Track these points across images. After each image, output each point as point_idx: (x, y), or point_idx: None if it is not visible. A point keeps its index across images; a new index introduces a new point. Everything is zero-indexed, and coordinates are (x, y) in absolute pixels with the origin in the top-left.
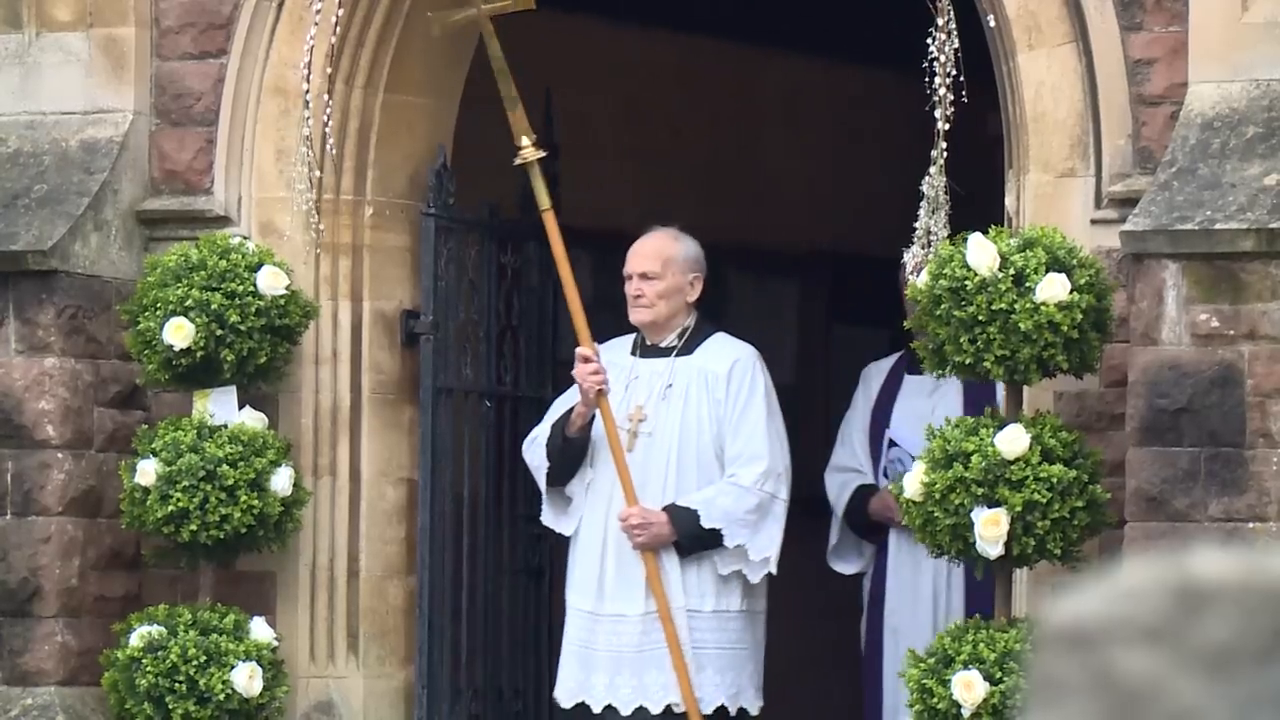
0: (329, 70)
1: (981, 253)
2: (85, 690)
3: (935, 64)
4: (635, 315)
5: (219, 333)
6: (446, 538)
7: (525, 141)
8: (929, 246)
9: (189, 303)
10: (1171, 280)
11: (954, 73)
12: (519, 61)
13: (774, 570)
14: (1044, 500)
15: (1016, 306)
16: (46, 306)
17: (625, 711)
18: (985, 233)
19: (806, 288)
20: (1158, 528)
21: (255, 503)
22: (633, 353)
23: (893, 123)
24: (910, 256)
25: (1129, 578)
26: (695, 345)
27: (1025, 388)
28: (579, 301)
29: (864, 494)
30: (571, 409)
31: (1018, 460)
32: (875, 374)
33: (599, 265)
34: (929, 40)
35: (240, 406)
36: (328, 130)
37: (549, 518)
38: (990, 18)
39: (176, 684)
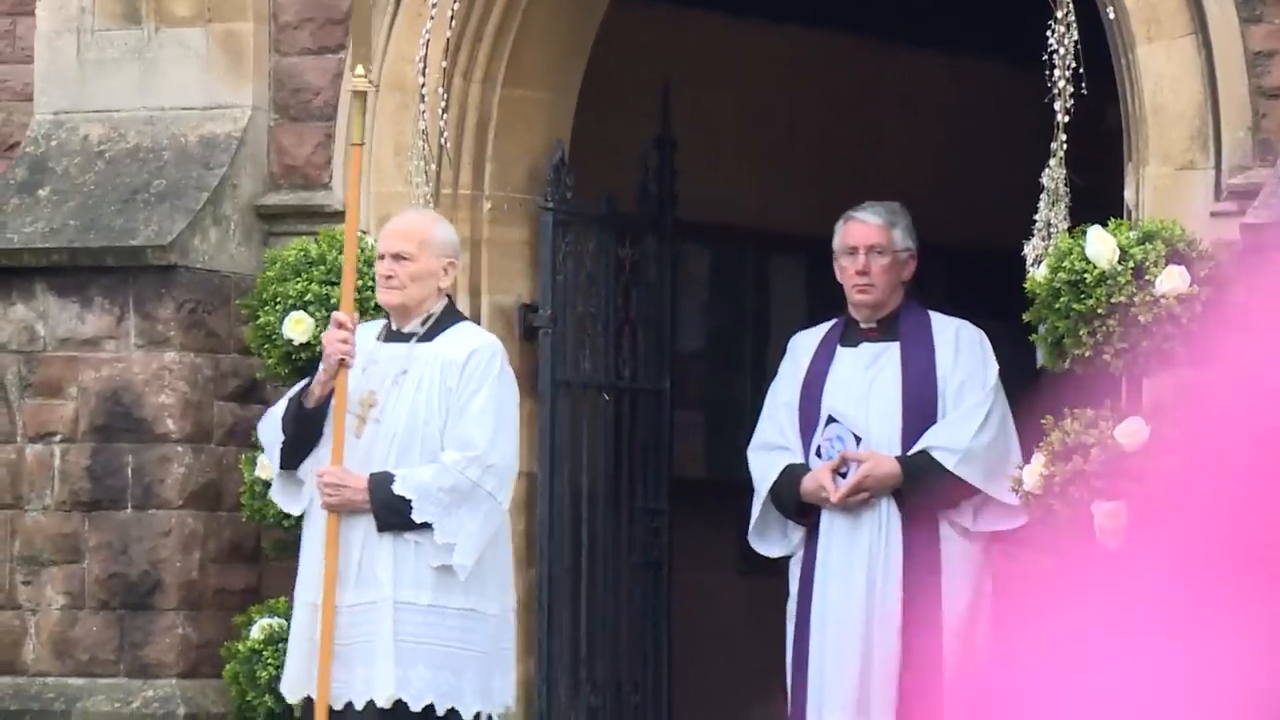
0: (446, 65)
1: (1101, 245)
2: (205, 682)
3: (1055, 56)
4: (384, 296)
5: None
6: (565, 530)
7: (360, 70)
8: (1049, 239)
9: (308, 297)
10: None
11: (1073, 65)
12: (638, 56)
13: (467, 564)
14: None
15: (1136, 299)
16: (166, 301)
17: (338, 706)
18: (1105, 225)
19: (922, 280)
20: None
21: None
22: (378, 338)
23: (1012, 115)
24: (1030, 249)
25: None
26: (438, 333)
27: (1145, 380)
28: (353, 264)
29: (792, 473)
30: (306, 383)
31: (1139, 454)
32: (804, 345)
33: (717, 258)
34: (1048, 33)
35: None
36: (444, 125)
37: (278, 496)
38: (1110, 10)
39: None
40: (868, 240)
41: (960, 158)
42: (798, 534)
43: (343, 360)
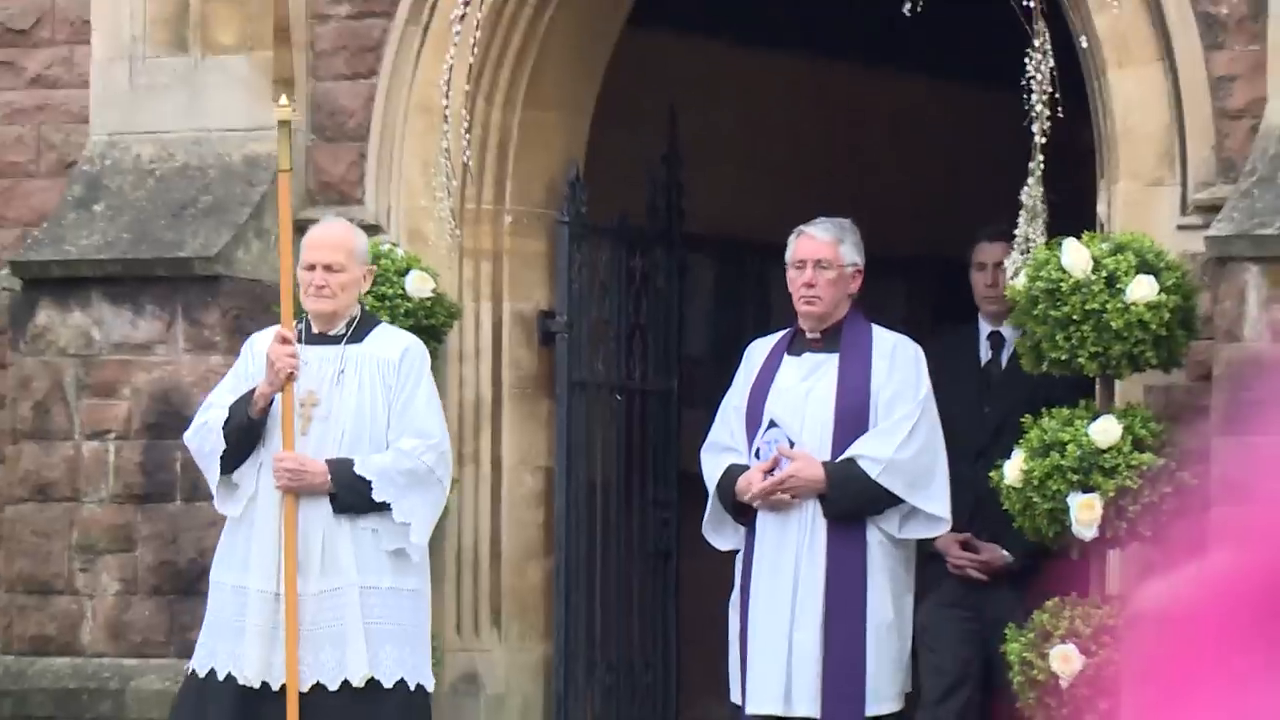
0: (469, 89)
1: (1076, 256)
2: None
3: (1032, 82)
4: (316, 305)
5: None
6: (581, 521)
7: (283, 100)
8: (1027, 252)
9: None
10: (1253, 282)
11: (1050, 90)
12: (646, 79)
13: (422, 544)
14: (1135, 486)
15: (1108, 306)
16: (212, 308)
17: (304, 689)
18: (1079, 237)
19: (913, 289)
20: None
21: None
22: (298, 340)
23: (992, 135)
24: (1010, 262)
25: (1215, 560)
26: (364, 334)
27: (1117, 382)
28: (290, 282)
29: (732, 473)
30: (247, 394)
31: (1111, 449)
32: (758, 351)
33: (722, 269)
34: (1026, 60)
35: None
36: (467, 145)
37: (221, 503)
38: (1082, 38)
39: None
40: (815, 255)
41: (945, 174)
42: (741, 530)
43: (290, 374)
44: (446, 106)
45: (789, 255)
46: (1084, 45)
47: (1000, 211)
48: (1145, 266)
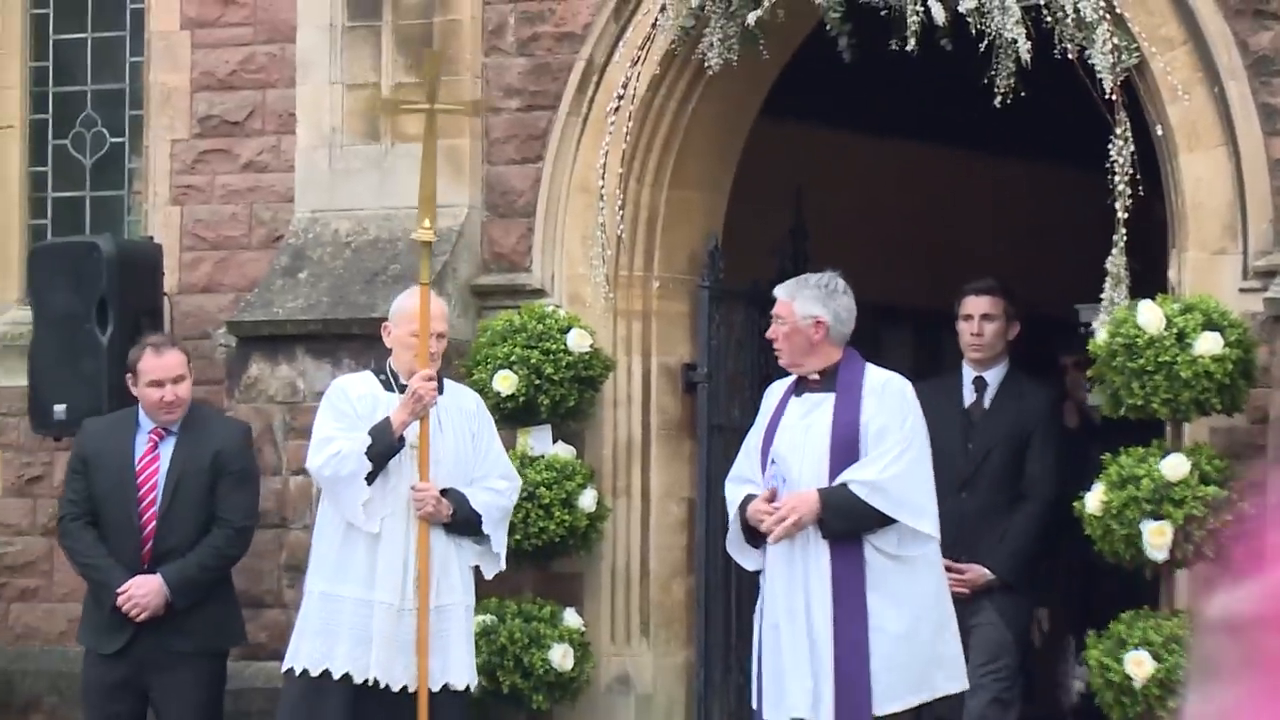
0: (622, 171)
1: (1150, 315)
2: None
3: (1114, 165)
4: (428, 364)
5: (537, 382)
6: (717, 546)
7: (427, 224)
8: (1111, 314)
9: (513, 358)
10: None
11: (1130, 171)
12: (777, 164)
13: (503, 568)
14: (1201, 514)
15: (1179, 359)
16: None
17: (395, 689)
18: (1153, 299)
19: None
20: None
21: (566, 517)
22: (387, 389)
23: (1079, 210)
24: (1097, 324)
25: (1271, 578)
26: (442, 387)
27: (1186, 424)
28: (425, 349)
29: (748, 503)
30: (383, 425)
31: (1180, 482)
32: (775, 393)
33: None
34: (1109, 146)
35: (554, 441)
36: (620, 220)
37: (366, 521)
38: (1158, 127)
39: (506, 661)
40: (775, 311)
41: (1036, 246)
42: (762, 552)
43: (432, 403)
44: (602, 187)
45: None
46: (1159, 133)
47: (1088, 278)
48: (1211, 324)
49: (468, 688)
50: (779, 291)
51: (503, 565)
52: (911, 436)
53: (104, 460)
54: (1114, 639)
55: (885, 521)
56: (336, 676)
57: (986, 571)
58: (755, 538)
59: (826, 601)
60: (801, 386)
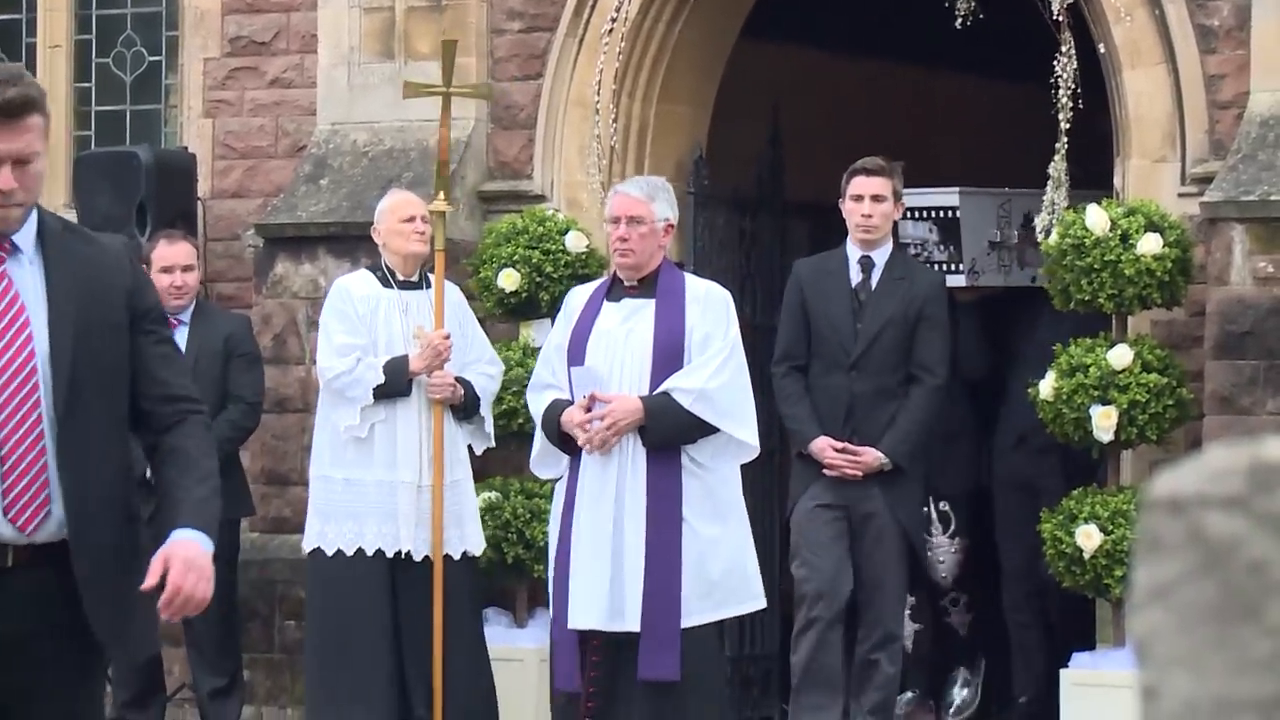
0: (615, 87)
1: (1097, 218)
2: None
3: (1059, 80)
4: (419, 248)
5: (537, 280)
6: None
7: (442, 196)
8: (1054, 213)
9: (516, 258)
10: (1238, 238)
11: (1073, 86)
12: (755, 80)
13: (493, 444)
14: (1144, 399)
15: (1122, 258)
16: None
17: (418, 558)
18: (1099, 203)
19: None
20: (1228, 420)
21: None
22: (385, 286)
23: (1027, 121)
24: (1039, 221)
25: (1212, 458)
26: (426, 283)
27: (1129, 318)
28: (441, 305)
29: (556, 408)
30: (399, 363)
31: (1124, 370)
32: (577, 298)
33: (814, 230)
34: (1054, 62)
35: None
36: (613, 132)
37: (355, 429)
38: (1101, 45)
39: (510, 535)
40: (628, 211)
41: (988, 152)
42: (564, 460)
43: (447, 358)
44: (597, 102)
45: (606, 212)
46: (1103, 50)
47: (1037, 183)
48: (1152, 226)
49: (480, 555)
50: (633, 190)
51: (492, 442)
52: (734, 346)
53: None
54: (1065, 514)
55: (706, 432)
56: (370, 553)
57: (883, 456)
58: (568, 445)
59: (640, 512)
60: (616, 292)
